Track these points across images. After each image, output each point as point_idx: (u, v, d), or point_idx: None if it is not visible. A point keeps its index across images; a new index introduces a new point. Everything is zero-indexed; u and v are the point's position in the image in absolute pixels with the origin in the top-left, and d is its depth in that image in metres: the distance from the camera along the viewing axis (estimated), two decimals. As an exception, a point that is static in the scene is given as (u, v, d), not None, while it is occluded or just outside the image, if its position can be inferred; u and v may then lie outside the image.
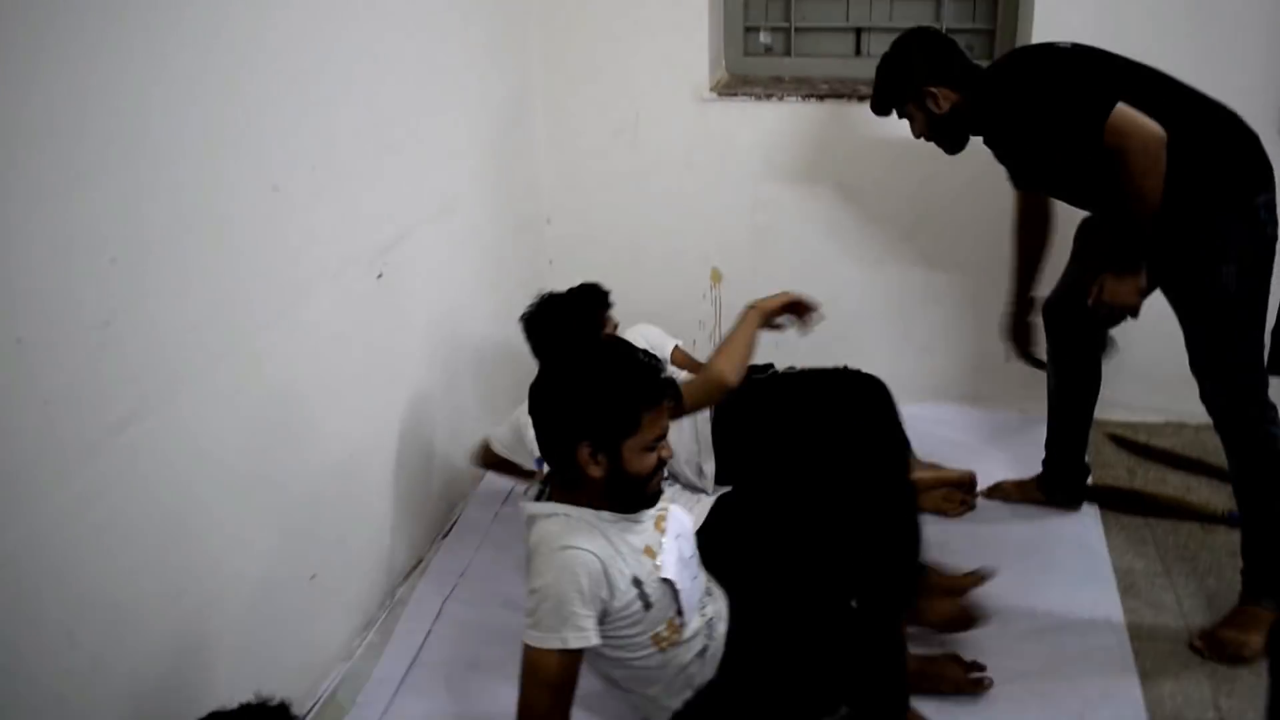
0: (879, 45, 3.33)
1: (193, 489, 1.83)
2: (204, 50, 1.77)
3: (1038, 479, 2.90)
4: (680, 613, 1.90)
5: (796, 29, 3.38)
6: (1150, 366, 2.97)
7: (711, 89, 3.25)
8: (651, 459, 1.80)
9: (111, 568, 1.65)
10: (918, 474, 2.73)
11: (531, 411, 1.85)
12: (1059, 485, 2.86)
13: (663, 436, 1.81)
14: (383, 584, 2.54)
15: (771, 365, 2.83)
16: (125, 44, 1.60)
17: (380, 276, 2.42)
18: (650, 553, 1.87)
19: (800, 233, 3.34)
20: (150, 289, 1.68)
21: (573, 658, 1.77)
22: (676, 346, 2.79)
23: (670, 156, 3.35)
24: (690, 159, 3.34)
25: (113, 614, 1.65)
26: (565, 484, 1.86)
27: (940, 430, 3.21)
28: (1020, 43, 3.04)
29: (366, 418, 2.44)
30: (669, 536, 1.92)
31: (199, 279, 1.80)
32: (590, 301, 2.58)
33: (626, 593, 1.81)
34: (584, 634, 1.76)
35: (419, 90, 2.59)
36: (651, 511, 1.91)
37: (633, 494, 1.84)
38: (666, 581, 1.86)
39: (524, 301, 2.63)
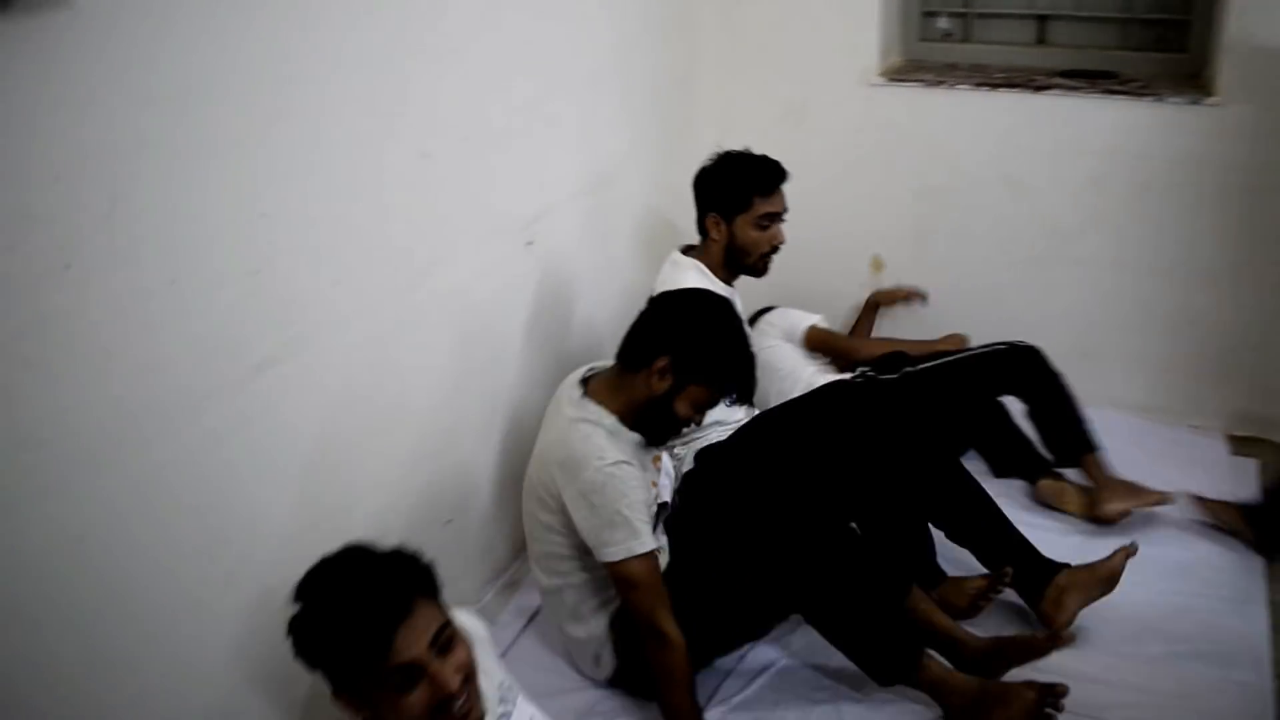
0: (1062, 34, 3.21)
1: (333, 428, 1.97)
2: (359, 19, 1.91)
3: (1246, 510, 2.65)
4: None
5: (977, 14, 3.29)
6: None
7: (881, 74, 3.21)
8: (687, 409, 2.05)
9: (250, 495, 1.80)
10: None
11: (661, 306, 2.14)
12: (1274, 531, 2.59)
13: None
14: (513, 536, 2.65)
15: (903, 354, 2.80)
16: (284, 12, 1.74)
17: (530, 244, 2.52)
18: (653, 484, 2.12)
19: (964, 226, 3.27)
20: (297, 243, 1.83)
21: (647, 558, 1.99)
22: (813, 325, 2.80)
23: (835, 141, 3.33)
24: (856, 144, 3.31)
25: (248, 536, 1.80)
26: (620, 384, 2.07)
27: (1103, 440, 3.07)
28: (1218, 34, 2.85)
29: (510, 377, 2.55)
30: (662, 474, 2.17)
31: (344, 236, 1.94)
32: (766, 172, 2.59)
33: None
34: (645, 538, 1.99)
35: (582, 63, 2.67)
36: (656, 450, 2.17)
37: (664, 426, 2.08)
38: (662, 506, 2.13)
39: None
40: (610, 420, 2.04)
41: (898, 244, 3.38)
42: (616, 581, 2.02)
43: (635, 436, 2.07)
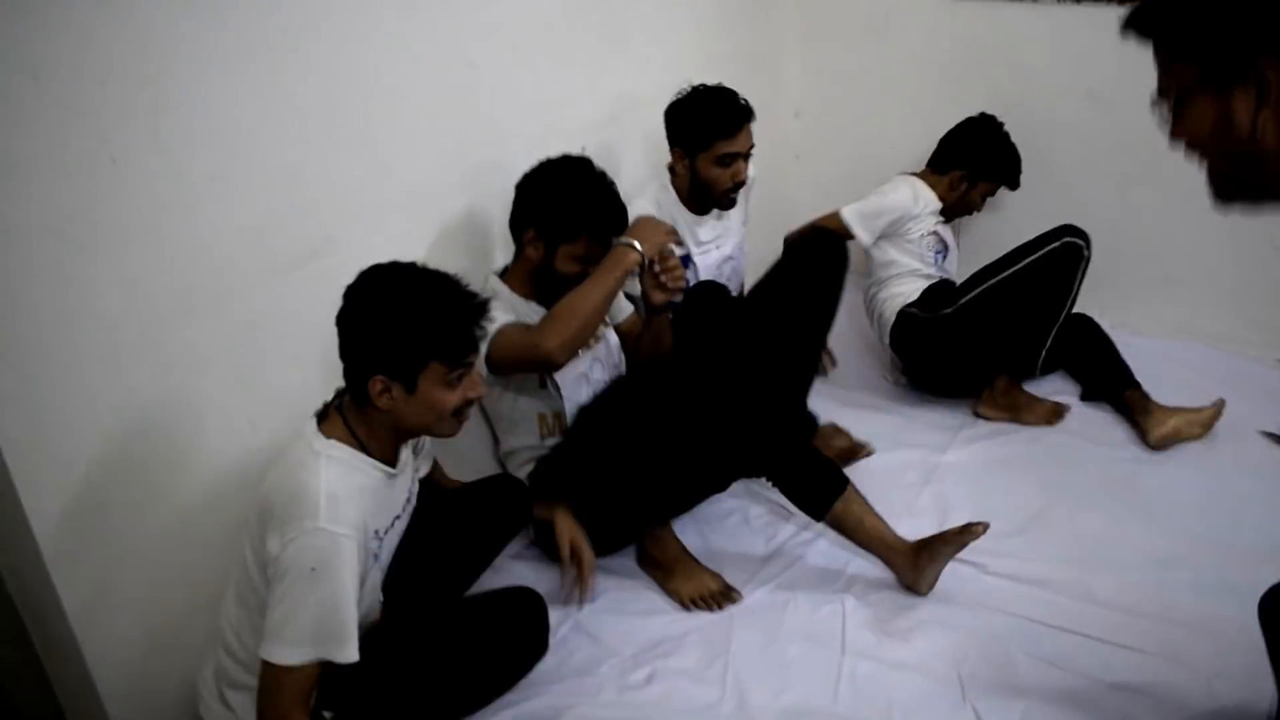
0: None
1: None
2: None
3: None
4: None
5: None
6: None
7: (964, -11, 3.15)
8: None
9: (289, 374, 1.99)
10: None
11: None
12: None
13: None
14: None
15: None
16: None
17: (584, 149, 2.61)
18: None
19: (1046, 144, 3.19)
20: (335, 143, 1.98)
21: None
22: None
23: (916, 55, 3.29)
24: (936, 59, 3.27)
25: (288, 410, 1.99)
26: (516, 265, 2.32)
27: (1179, 370, 3.01)
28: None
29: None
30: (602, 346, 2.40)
31: (386, 139, 2.09)
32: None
33: None
34: None
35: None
36: None
37: (557, 289, 2.20)
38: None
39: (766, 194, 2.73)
40: (513, 296, 2.27)
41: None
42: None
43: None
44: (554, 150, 2.27)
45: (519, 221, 2.24)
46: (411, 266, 1.67)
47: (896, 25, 3.29)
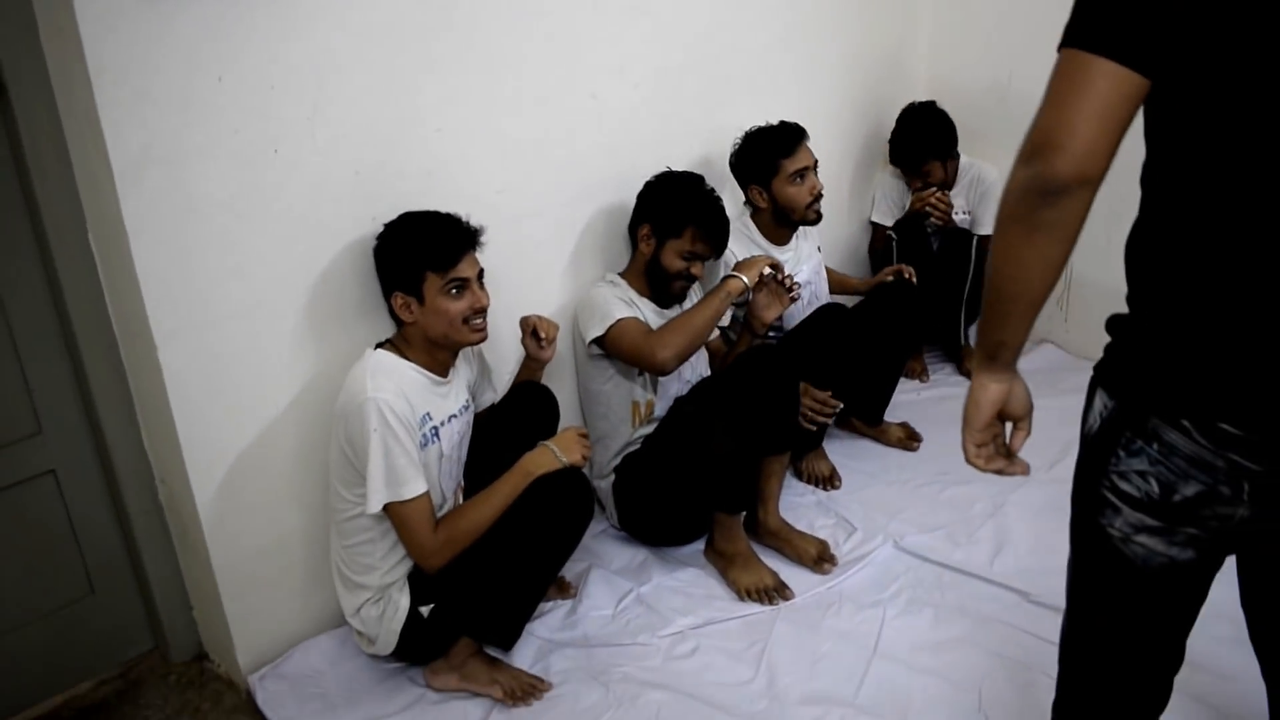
0: None
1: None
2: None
3: None
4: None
5: None
6: None
7: None
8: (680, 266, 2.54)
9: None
10: None
11: None
12: None
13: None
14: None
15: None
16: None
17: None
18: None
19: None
20: (466, 155, 2.32)
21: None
22: None
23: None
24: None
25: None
26: (631, 263, 2.65)
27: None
28: None
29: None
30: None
31: (517, 152, 2.42)
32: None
33: None
34: None
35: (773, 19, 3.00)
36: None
37: (665, 282, 2.56)
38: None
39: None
40: (630, 291, 2.59)
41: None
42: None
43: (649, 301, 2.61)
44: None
45: (637, 220, 2.57)
46: (422, 211, 2.12)
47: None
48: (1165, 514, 1.22)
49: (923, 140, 3.32)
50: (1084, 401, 1.31)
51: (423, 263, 2.03)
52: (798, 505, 2.79)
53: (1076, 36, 1.09)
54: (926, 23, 3.58)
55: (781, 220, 2.88)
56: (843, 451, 3.05)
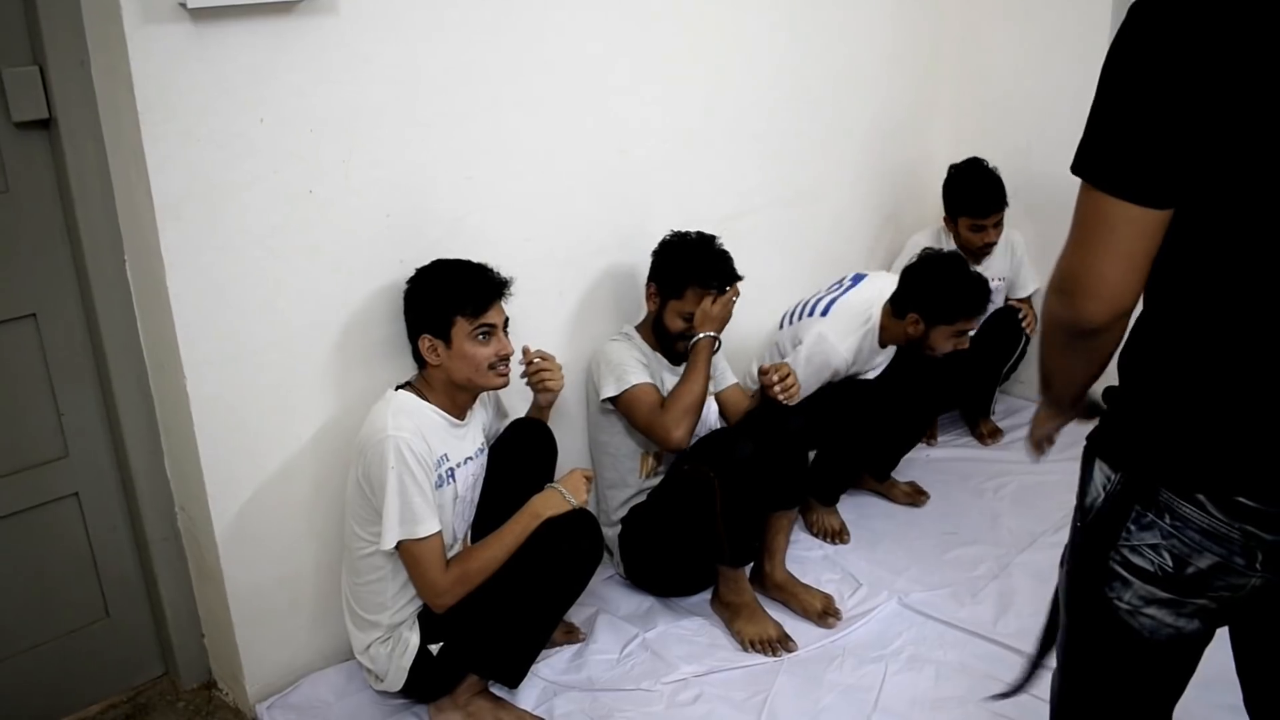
0: None
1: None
2: (570, 28, 2.44)
3: None
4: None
5: None
6: None
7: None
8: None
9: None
10: None
11: None
12: None
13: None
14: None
15: None
16: (501, 23, 2.30)
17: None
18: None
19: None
20: (497, 202, 2.39)
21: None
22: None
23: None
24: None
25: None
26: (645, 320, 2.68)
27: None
28: None
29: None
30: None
31: (544, 206, 2.49)
32: None
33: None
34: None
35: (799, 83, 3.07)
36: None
37: (667, 340, 2.60)
38: None
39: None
40: (644, 345, 2.64)
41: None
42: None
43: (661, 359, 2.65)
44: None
45: (649, 277, 2.61)
46: (454, 259, 2.19)
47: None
48: (1177, 587, 1.24)
49: (992, 189, 3.31)
50: (1080, 472, 1.33)
51: (453, 307, 2.09)
52: (805, 559, 2.81)
53: (1094, 174, 1.11)
54: (947, 89, 3.65)
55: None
56: (851, 507, 3.07)
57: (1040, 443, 1.52)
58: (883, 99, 3.44)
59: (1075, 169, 1.13)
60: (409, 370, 2.23)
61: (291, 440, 2.18)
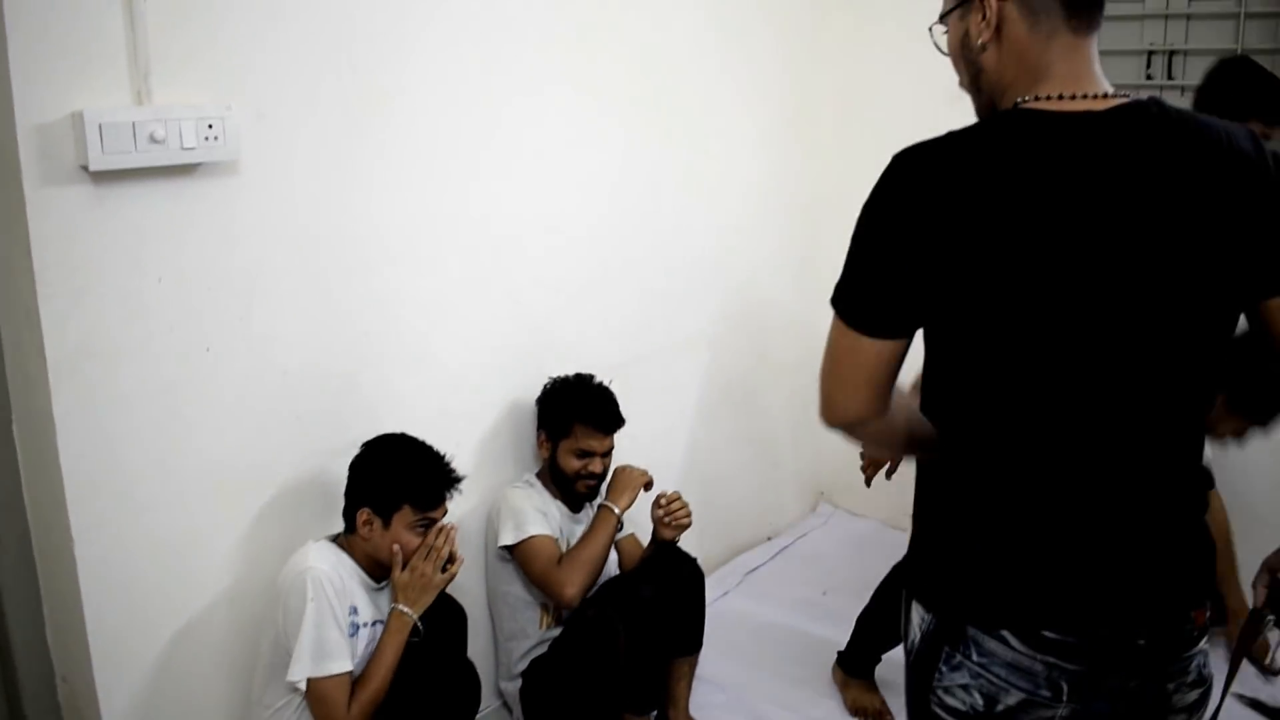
0: (1176, 70, 3.27)
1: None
2: (472, 196, 2.54)
3: None
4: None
5: None
6: None
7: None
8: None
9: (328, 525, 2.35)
10: None
11: None
12: None
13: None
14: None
15: None
16: (381, 195, 2.38)
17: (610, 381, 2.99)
18: None
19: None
20: (392, 355, 2.42)
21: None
22: None
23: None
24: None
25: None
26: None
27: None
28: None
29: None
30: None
31: (439, 357, 2.53)
32: None
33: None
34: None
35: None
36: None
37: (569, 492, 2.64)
38: None
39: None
40: (544, 494, 2.68)
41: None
42: None
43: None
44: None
45: (537, 425, 2.66)
46: (418, 441, 2.21)
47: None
48: None
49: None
50: (902, 614, 1.38)
51: (405, 494, 2.13)
52: (707, 705, 2.78)
53: (843, 309, 1.23)
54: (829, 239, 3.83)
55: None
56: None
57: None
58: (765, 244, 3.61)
59: (832, 300, 1.25)
60: (317, 529, 2.21)
61: (188, 606, 2.12)
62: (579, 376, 2.69)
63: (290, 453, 2.22)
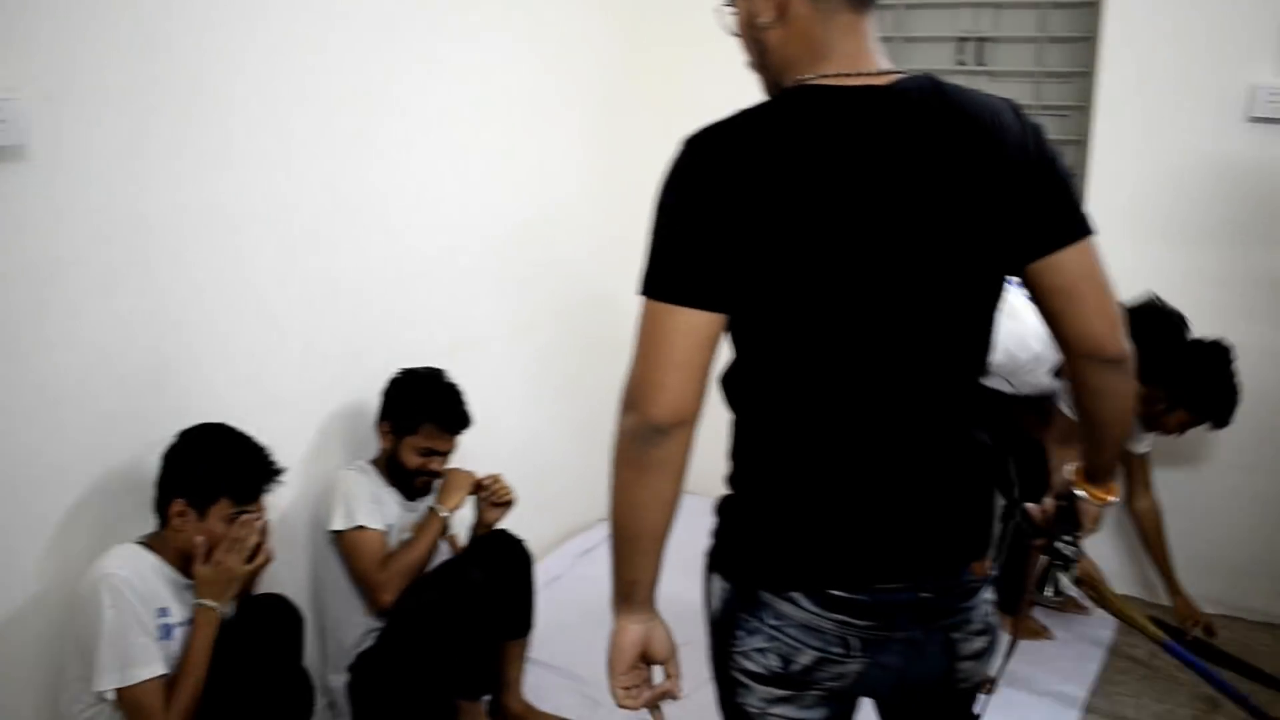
0: (987, 56, 3.47)
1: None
2: (290, 175, 2.47)
3: None
4: None
5: (905, 38, 3.53)
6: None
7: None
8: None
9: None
10: None
11: None
12: None
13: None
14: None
15: None
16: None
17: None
18: None
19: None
20: (205, 348, 2.34)
21: None
22: None
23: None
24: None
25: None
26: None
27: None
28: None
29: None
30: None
31: (253, 348, 2.46)
32: None
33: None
34: None
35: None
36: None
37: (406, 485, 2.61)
38: None
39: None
40: (379, 480, 2.62)
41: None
42: None
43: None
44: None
45: (380, 416, 2.62)
46: (238, 431, 2.14)
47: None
48: (790, 683, 1.33)
49: None
50: (702, 588, 1.40)
51: (223, 487, 2.06)
52: (542, 686, 2.80)
53: (652, 288, 1.23)
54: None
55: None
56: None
57: (626, 690, 1.37)
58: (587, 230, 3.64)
59: (640, 290, 1.25)
60: (131, 530, 2.12)
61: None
62: (430, 371, 2.64)
63: (98, 452, 2.12)
